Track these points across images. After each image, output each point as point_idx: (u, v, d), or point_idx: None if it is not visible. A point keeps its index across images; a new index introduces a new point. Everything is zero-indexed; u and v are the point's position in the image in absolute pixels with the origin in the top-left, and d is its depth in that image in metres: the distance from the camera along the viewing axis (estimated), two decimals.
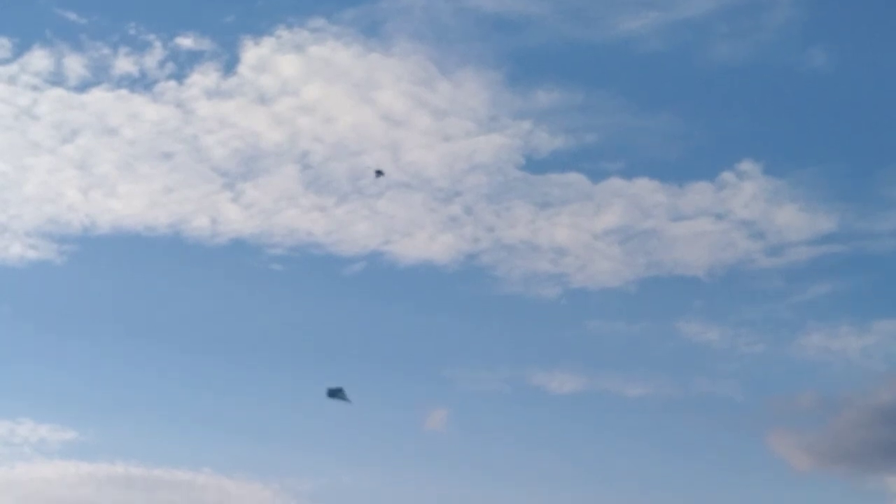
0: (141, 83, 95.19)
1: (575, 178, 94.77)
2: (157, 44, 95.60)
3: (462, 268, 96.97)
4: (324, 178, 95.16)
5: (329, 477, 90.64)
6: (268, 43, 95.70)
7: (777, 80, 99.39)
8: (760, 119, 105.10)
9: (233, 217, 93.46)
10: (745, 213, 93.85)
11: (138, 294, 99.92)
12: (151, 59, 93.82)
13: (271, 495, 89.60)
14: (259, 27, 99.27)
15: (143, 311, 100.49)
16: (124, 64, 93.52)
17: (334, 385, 42.63)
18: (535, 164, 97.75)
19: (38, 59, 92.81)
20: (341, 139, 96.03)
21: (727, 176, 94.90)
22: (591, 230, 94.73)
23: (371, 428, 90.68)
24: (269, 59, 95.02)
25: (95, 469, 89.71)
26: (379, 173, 48.30)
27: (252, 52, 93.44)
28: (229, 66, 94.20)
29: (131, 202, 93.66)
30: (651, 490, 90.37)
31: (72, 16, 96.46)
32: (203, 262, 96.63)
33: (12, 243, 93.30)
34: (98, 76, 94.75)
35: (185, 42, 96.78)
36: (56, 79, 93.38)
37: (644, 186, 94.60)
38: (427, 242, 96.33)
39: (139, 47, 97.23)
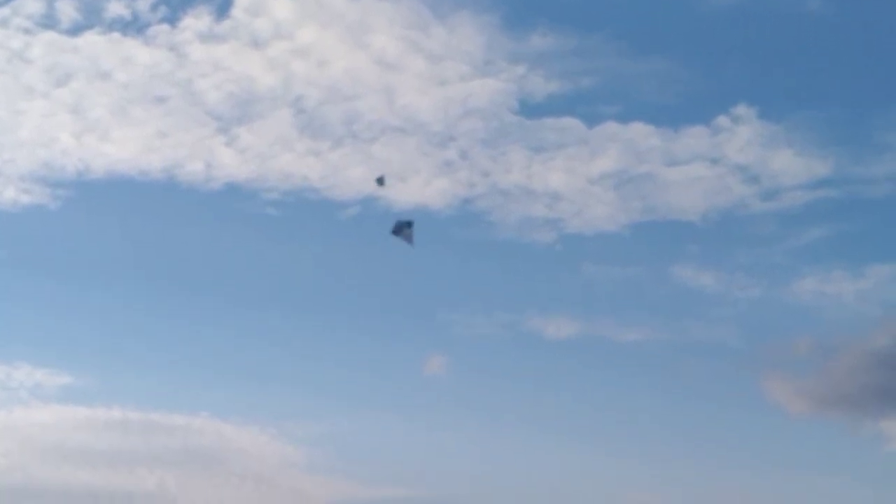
0: (133, 26, 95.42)
1: (570, 123, 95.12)
2: None
3: (457, 212, 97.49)
4: (318, 122, 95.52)
5: (327, 421, 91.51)
6: None
7: (773, 23, 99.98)
8: (756, 63, 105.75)
9: (227, 161, 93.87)
10: (739, 157, 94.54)
11: (133, 238, 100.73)
12: (144, 2, 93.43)
13: (269, 439, 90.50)
14: None
15: (138, 255, 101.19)
16: (116, 7, 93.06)
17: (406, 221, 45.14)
18: (530, 109, 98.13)
19: (30, 1, 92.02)
20: (335, 83, 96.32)
21: (722, 120, 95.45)
22: (586, 175, 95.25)
23: (368, 372, 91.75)
24: (263, 1, 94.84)
25: (92, 413, 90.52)
26: (380, 181, 50.04)
27: None
28: (222, 10, 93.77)
29: (125, 146, 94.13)
30: (646, 434, 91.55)
31: None
32: (197, 206, 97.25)
33: (6, 188, 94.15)
34: (90, 19, 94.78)
35: None
36: (48, 22, 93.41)
37: (639, 131, 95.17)
38: (422, 187, 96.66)
39: None
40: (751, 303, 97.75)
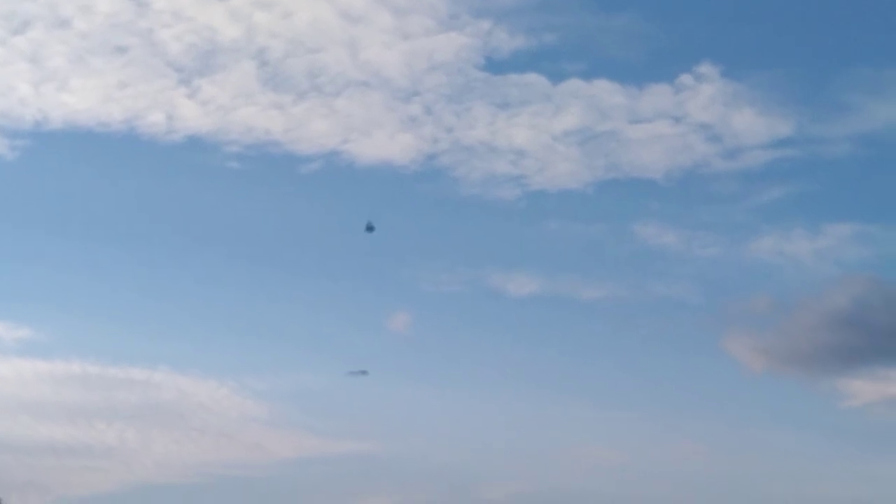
0: None
1: (534, 79, 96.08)
2: None
3: (421, 168, 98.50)
4: (281, 75, 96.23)
5: (289, 376, 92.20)
6: None
7: None
8: (719, 21, 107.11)
9: (189, 114, 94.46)
10: (702, 116, 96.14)
11: (92, 190, 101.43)
12: None
13: (228, 393, 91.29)
14: None
15: (97, 207, 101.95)
16: None
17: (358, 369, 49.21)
18: (495, 65, 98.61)
19: None
20: (299, 35, 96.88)
21: (685, 78, 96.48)
22: (550, 131, 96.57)
23: (332, 327, 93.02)
24: None
25: (52, 367, 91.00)
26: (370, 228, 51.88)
27: None
28: None
29: (84, 97, 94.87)
30: (607, 390, 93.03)
31: None
32: (158, 158, 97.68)
33: None
34: None
35: None
36: None
37: (603, 88, 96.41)
38: (386, 142, 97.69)
39: None
40: (711, 261, 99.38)
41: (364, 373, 50.13)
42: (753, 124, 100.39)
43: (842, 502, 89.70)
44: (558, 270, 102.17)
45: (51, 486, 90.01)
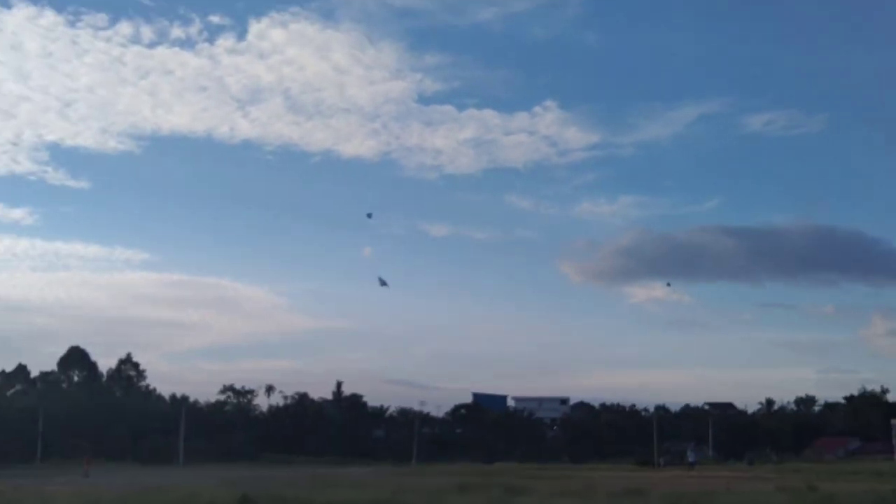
0: (187, 44, 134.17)
1: (448, 108, 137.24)
2: (197, 19, 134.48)
3: (380, 160, 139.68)
4: (298, 104, 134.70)
5: (300, 283, 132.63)
6: (266, 20, 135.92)
7: (567, 51, 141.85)
8: (558, 75, 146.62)
9: (243, 127, 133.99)
10: (546, 131, 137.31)
11: (186, 171, 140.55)
12: (193, 29, 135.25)
13: (264, 294, 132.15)
14: (260, 10, 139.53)
15: (190, 181, 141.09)
16: (177, 32, 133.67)
17: (383, 279, 52.43)
18: (425, 99, 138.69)
19: (125, 27, 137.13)
20: (309, 81, 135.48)
21: (537, 109, 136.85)
22: (457, 139, 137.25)
23: (327, 255, 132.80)
24: (266, 30, 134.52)
25: (160, 277, 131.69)
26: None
27: (256, 26, 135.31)
28: (241, 35, 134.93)
29: (182, 116, 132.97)
30: (490, 292, 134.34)
31: (146, 1, 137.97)
32: (225, 154, 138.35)
33: (109, 140, 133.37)
34: (161, 38, 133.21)
35: (214, 19, 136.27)
36: (134, 39, 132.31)
37: (489, 114, 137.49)
38: (358, 146, 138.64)
39: (186, 22, 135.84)
40: (552, 217, 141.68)
41: (385, 284, 50.88)
42: (576, 136, 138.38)
43: (626, 361, 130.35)
44: (461, 221, 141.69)
45: (160, 344, 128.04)
